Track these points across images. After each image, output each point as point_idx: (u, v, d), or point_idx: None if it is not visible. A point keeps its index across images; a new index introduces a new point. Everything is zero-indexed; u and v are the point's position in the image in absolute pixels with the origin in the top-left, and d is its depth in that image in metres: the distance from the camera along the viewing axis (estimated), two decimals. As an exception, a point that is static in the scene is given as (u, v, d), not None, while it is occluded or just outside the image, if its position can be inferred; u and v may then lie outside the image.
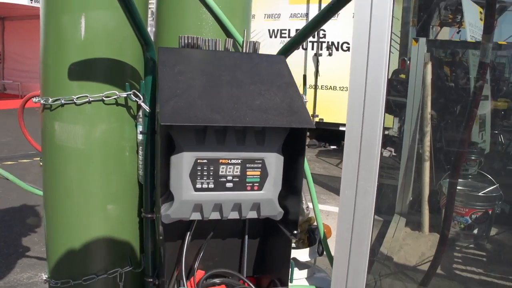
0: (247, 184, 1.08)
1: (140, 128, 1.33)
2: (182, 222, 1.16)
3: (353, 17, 1.00)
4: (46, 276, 1.47)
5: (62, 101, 1.31)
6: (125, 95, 1.32)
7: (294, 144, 1.12)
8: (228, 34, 1.41)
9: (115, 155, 1.38)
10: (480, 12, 6.22)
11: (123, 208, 1.42)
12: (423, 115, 4.22)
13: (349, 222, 1.25)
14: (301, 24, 7.96)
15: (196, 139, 1.03)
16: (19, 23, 15.03)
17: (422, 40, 4.49)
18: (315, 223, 1.63)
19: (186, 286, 1.27)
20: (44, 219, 1.47)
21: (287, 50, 1.28)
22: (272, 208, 1.13)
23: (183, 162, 1.03)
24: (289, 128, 1.08)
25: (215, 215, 1.11)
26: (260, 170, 1.08)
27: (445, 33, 9.89)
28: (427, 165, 4.17)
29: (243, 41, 1.25)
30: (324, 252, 1.56)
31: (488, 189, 3.84)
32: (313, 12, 8.05)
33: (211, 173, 1.05)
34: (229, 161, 1.06)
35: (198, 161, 1.04)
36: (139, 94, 1.29)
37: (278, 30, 8.59)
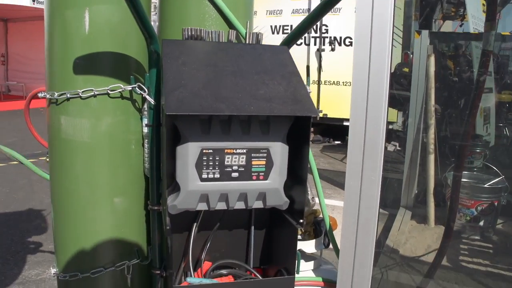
0: (253, 174, 1.09)
1: (145, 121, 1.34)
2: (189, 214, 1.17)
3: (355, 11, 1.00)
4: (55, 270, 1.49)
5: (68, 95, 1.32)
6: (130, 88, 1.33)
7: (298, 133, 1.13)
8: (231, 26, 1.41)
9: (121, 148, 1.39)
10: (483, 4, 6.19)
11: (130, 201, 1.43)
12: (427, 108, 4.21)
13: (355, 213, 1.25)
14: (303, 20, 7.94)
15: (202, 129, 1.04)
16: (22, 24, 15.10)
17: (425, 32, 4.48)
18: (320, 216, 1.63)
19: (194, 277, 1.28)
20: (52, 213, 1.48)
21: (290, 41, 1.29)
22: (278, 198, 1.13)
23: (189, 152, 1.04)
24: (293, 117, 1.09)
25: (221, 205, 1.11)
26: (265, 159, 1.09)
27: (448, 27, 9.83)
28: (431, 157, 4.17)
29: (246, 33, 1.26)
30: (330, 244, 1.57)
31: (494, 180, 3.83)
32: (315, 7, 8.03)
33: (217, 163, 1.06)
34: (234, 151, 1.06)
35: (204, 151, 1.04)
36: (143, 87, 1.30)
37: (280, 26, 8.58)
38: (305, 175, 1.13)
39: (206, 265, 1.34)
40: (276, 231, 1.36)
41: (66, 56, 1.32)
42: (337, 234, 1.41)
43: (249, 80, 1.07)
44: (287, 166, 1.12)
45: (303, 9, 8.32)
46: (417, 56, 4.42)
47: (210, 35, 1.21)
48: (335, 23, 8.03)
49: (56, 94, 1.33)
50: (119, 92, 1.34)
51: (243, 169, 1.08)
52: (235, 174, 1.08)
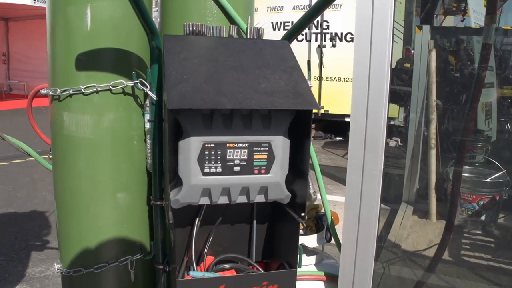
0: (255, 168, 1.10)
1: (147, 117, 1.34)
2: (191, 208, 1.18)
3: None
4: (59, 266, 1.50)
5: (70, 92, 1.33)
6: (132, 84, 1.34)
7: (299, 127, 1.13)
8: (232, 21, 1.41)
9: (123, 144, 1.40)
10: (484, -1, 6.16)
11: (132, 197, 1.44)
12: (428, 103, 4.21)
13: (356, 207, 1.26)
14: (304, 16, 7.92)
15: (203, 124, 1.04)
16: (22, 23, 15.11)
17: (426, 27, 4.47)
18: (322, 210, 1.64)
19: (197, 271, 1.29)
20: (55, 209, 1.49)
21: (291, 35, 1.29)
22: (280, 192, 1.14)
23: (191, 147, 1.04)
24: (295, 111, 1.09)
25: (223, 200, 1.12)
26: (267, 153, 1.09)
27: (449, 23, 9.79)
28: (433, 152, 4.17)
29: (247, 28, 1.26)
30: (332, 239, 1.57)
31: (495, 175, 3.83)
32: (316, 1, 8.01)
33: (219, 157, 1.07)
34: (236, 145, 1.07)
35: (206, 145, 1.05)
36: (145, 82, 1.30)
37: (281, 22, 8.58)
38: (306, 169, 1.14)
39: (209, 259, 1.35)
40: (278, 225, 1.36)
41: (69, 52, 1.33)
42: (339, 229, 1.42)
43: (251, 74, 1.08)
44: (289, 160, 1.13)
45: (304, 5, 8.30)
46: (418, 52, 4.42)
47: (211, 31, 1.22)
48: (336, 19, 8.01)
49: (59, 90, 1.34)
50: (121, 88, 1.35)
51: (245, 163, 1.09)
52: (237, 168, 1.08)
